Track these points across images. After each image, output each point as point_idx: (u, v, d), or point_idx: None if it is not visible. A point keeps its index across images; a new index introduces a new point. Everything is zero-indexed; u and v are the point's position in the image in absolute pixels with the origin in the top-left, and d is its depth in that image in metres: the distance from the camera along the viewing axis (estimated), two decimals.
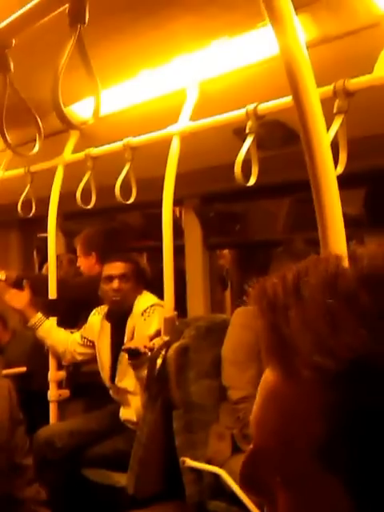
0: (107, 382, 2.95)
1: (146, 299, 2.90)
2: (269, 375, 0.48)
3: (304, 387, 0.44)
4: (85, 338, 3.06)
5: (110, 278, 2.90)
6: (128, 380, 2.77)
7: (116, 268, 2.91)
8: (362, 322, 0.42)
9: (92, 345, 3.03)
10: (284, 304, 0.45)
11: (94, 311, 3.09)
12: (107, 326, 2.99)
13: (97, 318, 3.05)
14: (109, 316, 3.00)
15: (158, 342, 2.40)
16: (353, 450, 0.42)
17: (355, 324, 0.42)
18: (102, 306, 3.06)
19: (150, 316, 2.79)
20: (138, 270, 2.96)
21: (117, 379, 2.87)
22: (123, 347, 2.60)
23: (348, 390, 0.42)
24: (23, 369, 3.29)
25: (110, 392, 2.97)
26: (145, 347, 2.39)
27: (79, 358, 3.10)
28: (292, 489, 0.46)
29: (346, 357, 0.41)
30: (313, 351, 0.42)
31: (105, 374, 2.95)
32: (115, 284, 2.88)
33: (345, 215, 1.15)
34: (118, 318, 2.93)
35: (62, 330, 3.10)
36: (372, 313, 0.42)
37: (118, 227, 4.15)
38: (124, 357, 2.72)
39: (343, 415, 0.42)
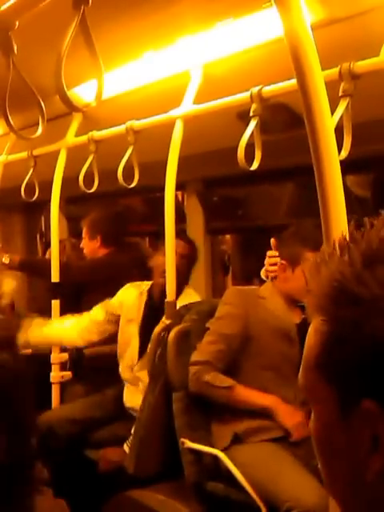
0: (128, 365, 2.84)
1: (189, 296, 2.72)
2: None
3: (316, 325, 0.58)
4: (111, 313, 2.88)
5: None
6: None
7: (178, 246, 2.66)
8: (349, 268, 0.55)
9: (117, 320, 2.87)
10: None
11: (127, 285, 2.91)
12: (142, 307, 2.82)
13: (132, 292, 2.86)
14: (150, 297, 2.82)
15: (159, 325, 2.41)
16: (338, 361, 0.54)
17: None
18: (138, 283, 2.90)
19: None
20: (194, 255, 2.85)
21: (136, 368, 2.78)
22: None
23: (331, 316, 0.55)
24: (29, 350, 3.32)
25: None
26: None
27: (95, 338, 2.91)
28: (312, 402, 0.59)
29: (329, 286, 0.55)
30: (319, 301, 0.57)
31: (128, 357, 2.83)
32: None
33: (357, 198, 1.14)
34: (159, 303, 2.68)
35: (53, 323, 3.01)
36: (356, 259, 0.55)
37: (123, 211, 4.13)
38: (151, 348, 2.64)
39: (329, 336, 0.56)
